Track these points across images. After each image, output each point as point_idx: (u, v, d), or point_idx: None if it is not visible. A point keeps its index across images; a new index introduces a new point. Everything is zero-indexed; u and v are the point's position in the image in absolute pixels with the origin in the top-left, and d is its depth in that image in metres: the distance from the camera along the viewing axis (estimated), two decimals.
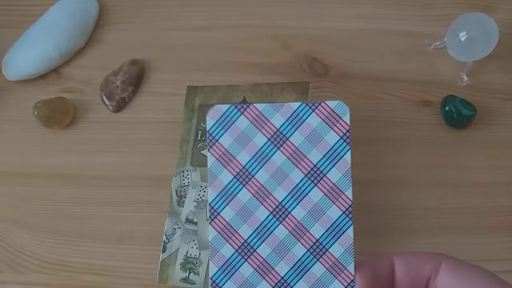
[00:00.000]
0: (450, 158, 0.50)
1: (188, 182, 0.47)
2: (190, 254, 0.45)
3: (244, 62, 0.56)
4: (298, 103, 0.29)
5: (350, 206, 0.29)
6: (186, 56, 0.57)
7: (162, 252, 0.46)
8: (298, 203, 0.29)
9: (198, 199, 0.47)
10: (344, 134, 0.29)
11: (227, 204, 0.29)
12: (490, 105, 0.52)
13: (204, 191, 0.47)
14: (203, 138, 0.49)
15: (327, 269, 0.28)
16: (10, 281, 0.48)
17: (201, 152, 0.48)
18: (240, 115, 0.29)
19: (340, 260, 0.28)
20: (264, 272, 0.28)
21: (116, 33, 0.59)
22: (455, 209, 0.48)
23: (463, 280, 0.26)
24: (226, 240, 0.29)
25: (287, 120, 0.29)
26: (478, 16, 0.50)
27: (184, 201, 0.47)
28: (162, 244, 0.46)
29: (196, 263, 0.45)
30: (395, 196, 0.49)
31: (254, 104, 0.29)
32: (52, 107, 0.53)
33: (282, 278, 0.28)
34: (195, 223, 0.46)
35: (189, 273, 0.45)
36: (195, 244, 0.45)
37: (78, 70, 0.58)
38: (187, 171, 0.48)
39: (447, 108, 0.50)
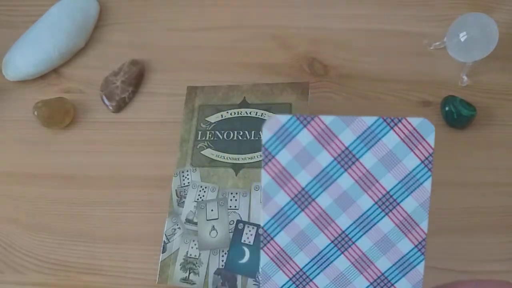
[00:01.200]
0: (450, 158, 0.50)
1: (188, 182, 0.47)
2: (190, 254, 0.45)
3: (244, 62, 0.56)
4: (374, 118, 0.25)
5: (423, 239, 0.25)
6: (186, 56, 0.57)
7: (162, 252, 0.46)
8: (364, 233, 0.26)
9: (198, 199, 0.47)
10: (427, 158, 0.25)
11: (282, 229, 0.26)
12: (490, 105, 0.52)
13: (204, 191, 0.47)
14: (203, 138, 0.49)
15: None
16: (10, 281, 0.48)
17: (201, 152, 0.48)
18: (303, 128, 0.25)
19: None
20: None
21: (116, 33, 0.59)
22: (455, 209, 0.48)
23: None
24: (279, 267, 0.26)
25: (358, 138, 0.25)
26: (478, 16, 0.50)
27: (184, 201, 0.47)
28: (162, 244, 0.46)
29: (196, 263, 0.45)
30: None
31: (320, 116, 0.25)
32: (52, 107, 0.53)
33: None
34: (195, 223, 0.46)
35: (189, 273, 0.45)
36: (195, 244, 0.45)
37: (78, 70, 0.58)
38: (187, 171, 0.48)
39: (447, 109, 0.50)
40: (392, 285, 0.26)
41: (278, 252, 0.26)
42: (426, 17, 0.56)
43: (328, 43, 0.56)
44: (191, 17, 0.59)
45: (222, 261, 0.45)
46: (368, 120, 0.25)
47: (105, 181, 0.52)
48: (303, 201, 0.26)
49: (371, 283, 0.26)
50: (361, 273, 0.26)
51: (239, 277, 0.45)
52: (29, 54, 0.56)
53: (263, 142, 0.26)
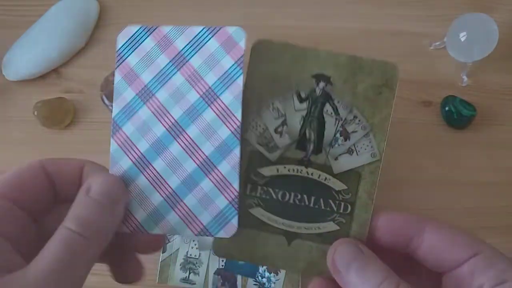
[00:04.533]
0: (450, 158, 0.50)
1: None
2: (190, 254, 0.45)
3: (245, 62, 0.56)
4: (200, 27, 0.31)
5: (238, 127, 0.30)
6: None
7: (162, 252, 0.46)
8: (192, 122, 0.30)
9: None
10: (239, 59, 0.31)
11: (128, 120, 0.31)
12: (490, 105, 0.52)
13: None
14: None
15: (214, 184, 0.30)
16: None
17: None
18: (148, 36, 0.32)
19: (226, 177, 0.30)
20: (157, 184, 0.30)
21: (116, 33, 0.59)
22: (455, 209, 0.48)
23: (447, 238, 0.29)
24: (125, 153, 0.30)
25: (188, 44, 0.31)
26: (478, 16, 0.50)
27: None
28: (162, 244, 0.46)
29: (196, 263, 0.45)
30: (395, 196, 0.49)
31: (161, 27, 0.31)
32: (52, 107, 0.53)
33: (173, 190, 0.30)
34: None
35: (189, 273, 0.45)
36: (195, 245, 0.45)
37: (78, 70, 0.58)
38: None
39: (447, 108, 0.50)
40: (215, 167, 0.30)
41: (125, 140, 0.31)
42: (426, 17, 0.56)
43: (328, 43, 0.56)
44: (191, 17, 0.59)
45: (222, 261, 0.45)
46: (196, 29, 0.31)
47: None
48: (145, 95, 0.31)
49: (198, 165, 0.30)
50: (190, 157, 0.30)
51: (239, 277, 0.45)
52: (29, 54, 0.56)
53: (117, 48, 0.33)
